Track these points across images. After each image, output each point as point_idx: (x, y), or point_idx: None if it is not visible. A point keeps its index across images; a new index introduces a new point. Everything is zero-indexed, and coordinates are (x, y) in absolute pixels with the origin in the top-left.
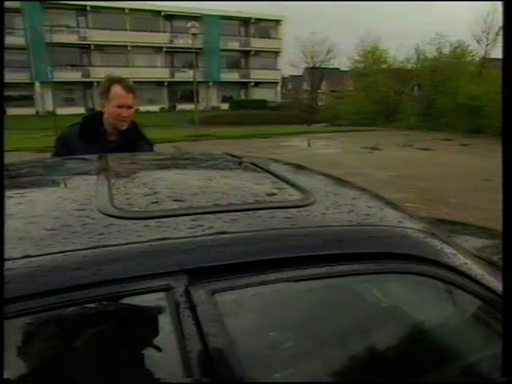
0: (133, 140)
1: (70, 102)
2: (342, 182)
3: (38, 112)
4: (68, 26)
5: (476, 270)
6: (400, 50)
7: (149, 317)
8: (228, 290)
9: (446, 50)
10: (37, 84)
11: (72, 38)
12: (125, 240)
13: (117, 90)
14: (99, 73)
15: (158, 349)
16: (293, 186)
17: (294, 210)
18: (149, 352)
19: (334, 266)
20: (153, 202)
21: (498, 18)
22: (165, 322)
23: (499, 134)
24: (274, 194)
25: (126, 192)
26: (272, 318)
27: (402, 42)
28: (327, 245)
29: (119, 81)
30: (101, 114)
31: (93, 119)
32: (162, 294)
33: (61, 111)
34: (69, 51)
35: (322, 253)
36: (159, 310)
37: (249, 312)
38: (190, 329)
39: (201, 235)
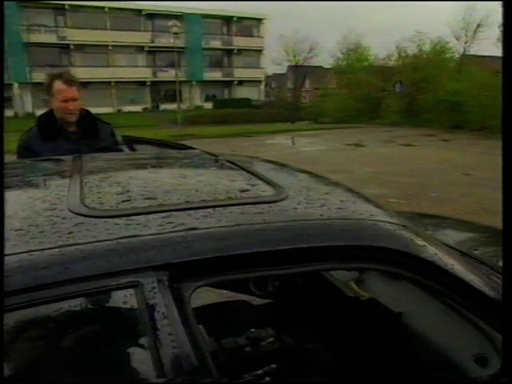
0: (92, 126)
1: (49, 103)
2: (316, 177)
3: (16, 114)
4: (46, 26)
5: (446, 260)
6: (381, 48)
7: (117, 313)
8: (199, 286)
9: (426, 47)
10: (15, 85)
11: (51, 38)
12: (94, 238)
13: (58, 85)
14: (80, 73)
15: (127, 346)
16: (266, 182)
17: (265, 206)
18: (118, 349)
19: (304, 258)
20: (124, 201)
21: (475, 16)
22: (134, 319)
23: (479, 129)
24: (246, 190)
25: (97, 191)
26: (244, 312)
27: (383, 39)
28: (298, 239)
29: (59, 76)
30: (52, 111)
31: (47, 118)
32: (130, 291)
33: (41, 112)
34: (48, 51)
35: (292, 247)
36: (128, 307)
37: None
38: (159, 325)
39: (170, 232)
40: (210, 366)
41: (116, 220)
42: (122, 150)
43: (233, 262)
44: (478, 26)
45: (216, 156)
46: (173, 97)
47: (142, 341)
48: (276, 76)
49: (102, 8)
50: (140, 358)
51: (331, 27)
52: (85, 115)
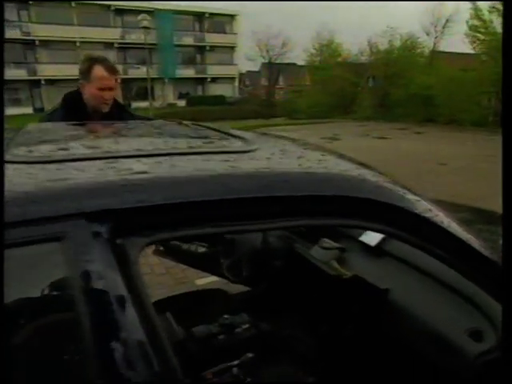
0: (120, 118)
1: (16, 102)
2: (296, 140)
3: None
4: (8, 20)
5: (442, 217)
6: (354, 43)
7: (42, 265)
8: (150, 243)
9: (397, 43)
10: None
11: (14, 34)
12: (9, 183)
13: (99, 70)
14: (46, 70)
15: (47, 319)
16: (235, 136)
17: (233, 155)
18: (42, 303)
19: (280, 210)
20: (61, 149)
21: (444, 12)
22: (57, 282)
23: (450, 123)
24: (211, 142)
25: (33, 143)
26: (219, 299)
27: (355, 33)
28: (272, 186)
29: (101, 61)
30: (79, 93)
31: (76, 100)
32: (54, 245)
33: (7, 112)
34: (11, 47)
35: (265, 195)
36: (54, 259)
37: (174, 267)
38: (93, 292)
39: (112, 176)
40: (165, 350)
41: (45, 166)
42: None
43: (192, 211)
44: (447, 21)
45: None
46: (145, 94)
47: (69, 313)
48: (250, 73)
49: (69, 2)
50: (65, 336)
51: (304, 22)
52: (114, 108)
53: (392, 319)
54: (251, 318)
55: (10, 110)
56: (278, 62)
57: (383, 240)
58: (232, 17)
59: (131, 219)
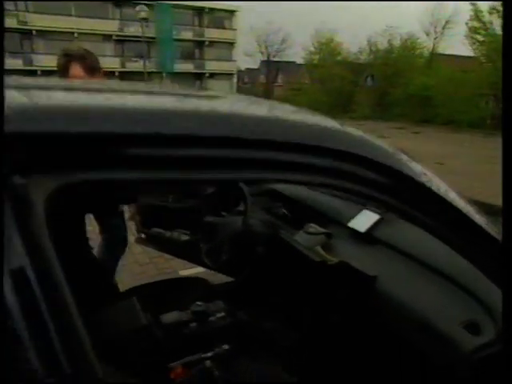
0: None
1: None
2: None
3: None
4: (5, 10)
5: (437, 182)
6: (353, 42)
7: None
8: (63, 187)
9: (397, 43)
10: None
11: (10, 23)
12: None
13: (76, 70)
14: (43, 61)
15: None
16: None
17: (193, 98)
18: None
19: (244, 159)
20: None
21: (444, 13)
22: None
23: (448, 123)
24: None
25: None
26: (195, 287)
27: (355, 32)
28: (235, 128)
29: (79, 58)
30: None
31: None
32: None
33: None
34: (7, 36)
35: (226, 135)
36: None
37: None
38: None
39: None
40: (78, 334)
41: None
42: None
43: (125, 147)
44: (447, 22)
45: None
46: None
47: None
48: (249, 70)
49: None
50: None
51: (304, 20)
52: None
53: (380, 307)
54: (228, 306)
55: None
56: (276, 59)
57: (374, 226)
58: (231, 12)
59: (31, 150)
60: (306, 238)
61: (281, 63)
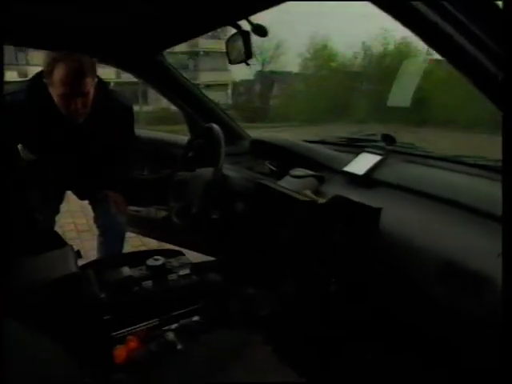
0: (108, 113)
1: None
2: None
3: None
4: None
5: None
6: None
7: None
8: None
9: (391, 47)
10: None
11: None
12: None
13: (60, 72)
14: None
15: None
16: None
17: None
18: None
19: None
20: None
21: None
22: None
23: (444, 123)
24: None
25: None
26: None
27: (350, 36)
28: None
29: (65, 59)
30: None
31: (41, 94)
32: None
33: None
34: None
35: None
36: None
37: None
38: None
39: None
40: None
41: None
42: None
43: None
44: None
45: None
46: (138, 98)
47: None
48: (244, 82)
49: None
50: None
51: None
52: (100, 98)
53: (389, 252)
54: (196, 266)
55: None
56: (272, 70)
57: (373, 168)
58: None
59: None
60: (293, 182)
61: (277, 73)
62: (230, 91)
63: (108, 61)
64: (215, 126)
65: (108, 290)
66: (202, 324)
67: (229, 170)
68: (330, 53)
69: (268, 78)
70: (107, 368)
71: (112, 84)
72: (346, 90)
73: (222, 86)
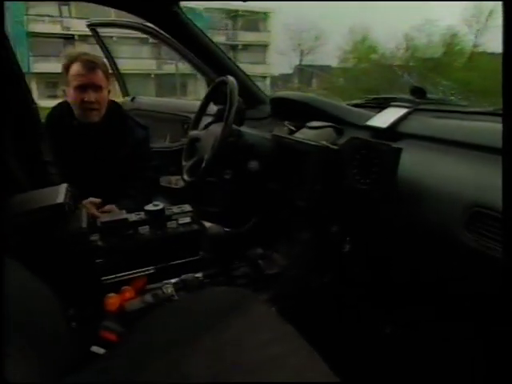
0: (121, 128)
1: (55, 92)
2: None
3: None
4: (50, 16)
5: None
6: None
7: None
8: None
9: (436, 37)
10: None
11: (55, 28)
12: None
13: (75, 67)
14: None
15: None
16: None
17: None
18: None
19: None
20: None
21: (488, 4)
22: None
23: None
24: None
25: None
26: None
27: (391, 28)
28: None
29: (79, 57)
30: (68, 104)
31: (60, 113)
32: None
33: (46, 103)
34: (52, 42)
35: None
36: None
37: None
38: None
39: None
40: None
41: None
42: (154, 164)
43: None
44: (491, 12)
45: None
46: (179, 89)
47: None
48: (283, 76)
49: None
50: None
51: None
52: (114, 112)
53: (411, 203)
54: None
55: (49, 102)
56: (311, 63)
57: (398, 121)
58: (266, 14)
59: None
60: (309, 133)
61: (316, 67)
62: (268, 82)
63: (125, 8)
64: (230, 77)
65: (100, 231)
66: (203, 281)
67: (246, 129)
68: (370, 45)
69: (306, 72)
70: (96, 313)
71: (152, 75)
72: (386, 82)
73: (261, 77)
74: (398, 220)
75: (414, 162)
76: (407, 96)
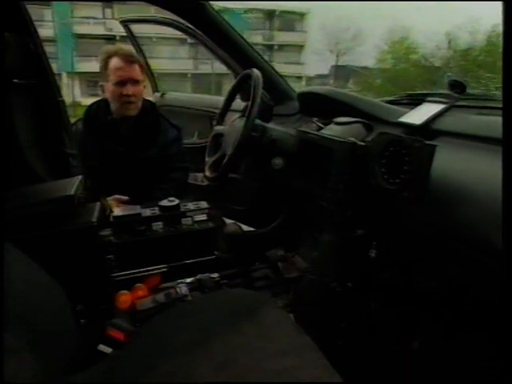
0: (154, 127)
1: (95, 91)
2: None
3: (63, 102)
4: (95, 18)
5: None
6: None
7: None
8: None
9: (480, 36)
10: (63, 75)
11: (98, 30)
12: None
13: (114, 62)
14: None
15: None
16: None
17: None
18: None
19: None
20: None
21: None
22: None
23: None
24: None
25: None
26: None
27: (432, 27)
28: None
29: (116, 52)
30: (106, 101)
31: (97, 109)
32: None
33: (87, 101)
34: (95, 42)
35: None
36: None
37: None
38: None
39: None
40: None
41: None
42: (185, 166)
43: None
44: None
45: None
46: (214, 89)
47: None
48: (318, 76)
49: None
50: None
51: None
52: (148, 110)
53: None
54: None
55: (90, 100)
56: (348, 64)
57: (434, 118)
58: (302, 15)
59: None
60: (336, 129)
61: (353, 68)
62: (303, 83)
63: (154, 1)
64: (255, 70)
65: (112, 225)
66: (219, 282)
67: (271, 125)
68: (409, 45)
69: (343, 72)
70: (106, 310)
71: (189, 75)
72: (426, 82)
73: (296, 77)
74: (429, 223)
75: (449, 161)
76: (445, 91)
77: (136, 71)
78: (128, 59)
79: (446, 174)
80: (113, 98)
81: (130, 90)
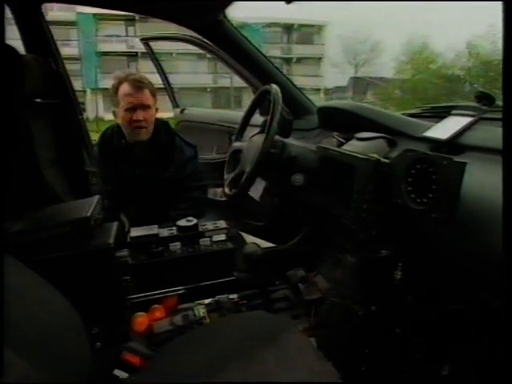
0: (168, 147)
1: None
2: None
3: (87, 118)
4: (118, 35)
5: None
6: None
7: None
8: None
9: (501, 44)
10: (88, 91)
11: (121, 47)
12: None
13: (123, 88)
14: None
15: None
16: None
17: None
18: None
19: None
20: None
21: None
22: None
23: None
24: None
25: None
26: None
27: (452, 39)
28: None
29: (125, 78)
30: (119, 126)
31: (111, 134)
32: None
33: (110, 117)
34: (118, 59)
35: None
36: None
37: None
38: None
39: None
40: None
41: None
42: (202, 184)
43: None
44: None
45: None
46: (234, 102)
47: None
48: (337, 88)
49: None
50: None
51: (395, 27)
52: (161, 131)
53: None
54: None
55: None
56: (366, 75)
57: (461, 132)
58: (320, 27)
59: None
60: (358, 145)
61: (371, 79)
62: (322, 95)
63: (172, 19)
64: (274, 86)
65: (129, 246)
66: (238, 303)
67: (291, 140)
68: (429, 54)
69: (361, 84)
70: (123, 333)
71: (208, 89)
72: (447, 92)
73: (315, 90)
74: (458, 246)
75: (478, 179)
76: (471, 103)
77: (146, 96)
78: (137, 85)
79: (476, 192)
80: (124, 123)
81: (140, 115)
